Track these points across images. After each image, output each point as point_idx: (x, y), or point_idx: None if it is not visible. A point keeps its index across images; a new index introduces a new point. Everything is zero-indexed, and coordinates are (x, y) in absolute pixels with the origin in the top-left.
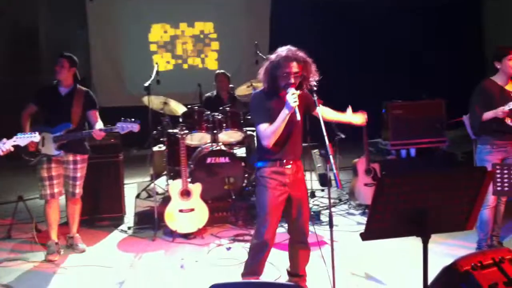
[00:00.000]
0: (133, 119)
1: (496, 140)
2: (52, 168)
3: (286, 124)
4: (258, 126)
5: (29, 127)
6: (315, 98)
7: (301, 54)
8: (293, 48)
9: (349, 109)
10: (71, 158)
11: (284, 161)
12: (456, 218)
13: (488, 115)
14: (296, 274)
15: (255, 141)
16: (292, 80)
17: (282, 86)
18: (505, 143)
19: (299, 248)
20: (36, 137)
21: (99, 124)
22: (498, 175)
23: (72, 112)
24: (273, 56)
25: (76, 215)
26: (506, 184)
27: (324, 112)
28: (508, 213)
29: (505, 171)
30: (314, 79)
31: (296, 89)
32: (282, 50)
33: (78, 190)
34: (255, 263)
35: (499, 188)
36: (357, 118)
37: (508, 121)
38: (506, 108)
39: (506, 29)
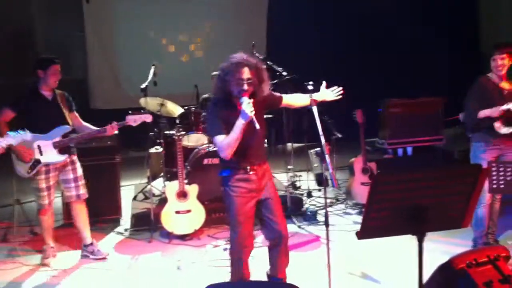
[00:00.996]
0: (142, 110)
1: (490, 138)
2: (50, 178)
3: (245, 133)
4: (214, 138)
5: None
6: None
7: (253, 60)
8: (245, 55)
9: (323, 85)
10: (68, 160)
11: (248, 167)
12: (452, 216)
13: (484, 113)
14: (275, 277)
15: None
16: (245, 87)
17: (235, 93)
18: (499, 140)
19: (277, 251)
20: (27, 135)
21: (89, 125)
22: (494, 173)
23: (65, 114)
24: (224, 64)
25: (86, 219)
26: (501, 182)
27: (290, 101)
28: (503, 210)
29: (501, 169)
30: (266, 86)
31: (250, 97)
32: (233, 57)
33: (83, 191)
34: (238, 270)
35: (494, 186)
36: (329, 94)
37: (497, 124)
38: (504, 107)
39: (502, 27)
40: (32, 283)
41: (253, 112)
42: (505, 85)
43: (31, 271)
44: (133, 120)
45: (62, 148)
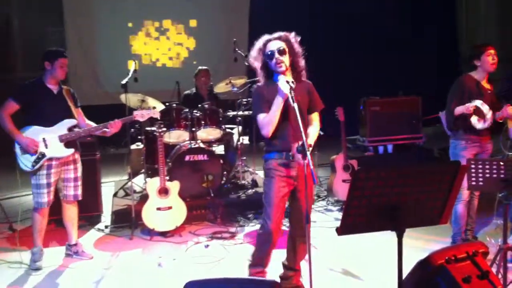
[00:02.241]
0: (149, 106)
1: (470, 135)
2: (52, 174)
3: (285, 113)
4: (257, 117)
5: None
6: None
7: (281, 33)
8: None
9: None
10: (71, 157)
11: (290, 153)
12: (430, 213)
13: (458, 110)
14: (293, 268)
15: (234, 140)
16: (277, 55)
17: (274, 69)
18: (479, 138)
19: (300, 241)
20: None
21: (91, 123)
22: (473, 170)
23: (71, 109)
24: (255, 45)
25: (76, 220)
26: (480, 179)
27: (313, 119)
28: (482, 207)
29: (479, 166)
30: (302, 60)
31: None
32: (263, 37)
33: (80, 191)
34: (261, 255)
35: (473, 183)
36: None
37: (473, 119)
38: (472, 104)
39: (479, 28)
40: (8, 280)
41: (289, 90)
42: (486, 84)
43: (10, 268)
44: (141, 115)
45: (68, 142)
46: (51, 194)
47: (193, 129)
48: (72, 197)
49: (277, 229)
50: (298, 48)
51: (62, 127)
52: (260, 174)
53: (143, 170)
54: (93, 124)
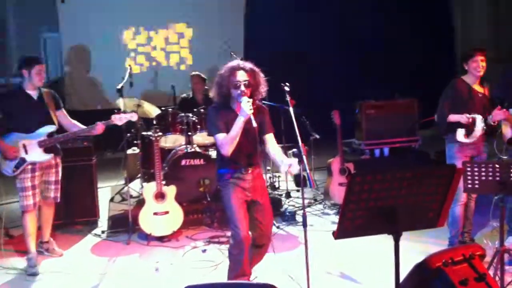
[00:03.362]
0: (127, 110)
1: None
2: (36, 177)
3: (242, 132)
4: (215, 136)
5: None
6: (288, 98)
7: (248, 64)
8: (240, 61)
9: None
10: (53, 161)
11: (243, 169)
12: (427, 215)
13: (453, 117)
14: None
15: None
16: (243, 88)
17: (235, 96)
18: (473, 141)
19: (259, 250)
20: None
21: (76, 123)
22: (469, 173)
23: (50, 114)
24: (221, 70)
25: (51, 219)
26: (476, 182)
27: (270, 144)
28: (478, 209)
29: (475, 169)
30: (263, 89)
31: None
32: (229, 63)
33: (59, 194)
34: (240, 266)
35: (469, 186)
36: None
37: (460, 131)
38: (472, 116)
39: (477, 29)
40: (5, 286)
41: (252, 110)
42: (479, 88)
43: (6, 275)
44: (119, 118)
45: (47, 148)
46: (36, 196)
47: (189, 133)
48: (52, 199)
49: (247, 235)
50: (260, 80)
51: (42, 133)
52: None
53: (139, 175)
54: (78, 125)
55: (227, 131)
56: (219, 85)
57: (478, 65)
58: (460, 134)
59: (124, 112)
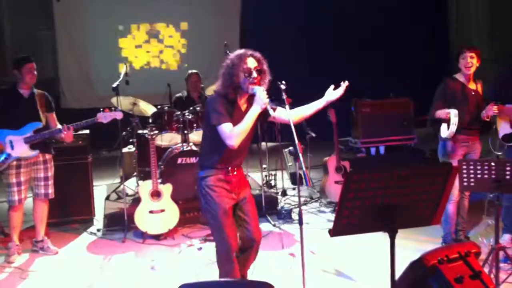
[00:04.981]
0: (112, 107)
1: (458, 135)
2: (21, 173)
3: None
4: (221, 125)
5: None
6: (284, 96)
7: (255, 52)
8: (248, 50)
9: (330, 88)
10: (41, 158)
11: (229, 169)
12: (423, 213)
13: (437, 114)
14: (242, 275)
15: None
16: (255, 74)
17: (244, 86)
18: (467, 138)
19: (248, 253)
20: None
21: (60, 126)
22: (464, 171)
23: (39, 112)
24: (228, 60)
25: (45, 217)
26: (472, 180)
27: (291, 114)
28: (474, 208)
29: (471, 167)
30: (267, 79)
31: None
32: (235, 52)
33: (51, 190)
34: (228, 274)
35: (465, 184)
36: (334, 94)
37: (444, 126)
38: (448, 111)
39: (472, 26)
40: (3, 284)
41: (268, 100)
42: (472, 85)
43: (1, 272)
44: (103, 117)
45: (33, 144)
46: (22, 192)
47: (185, 131)
48: (43, 195)
49: (234, 244)
50: (267, 70)
51: (28, 129)
52: (252, 176)
53: (135, 173)
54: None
55: (232, 120)
56: (228, 74)
57: (467, 61)
58: (443, 129)
59: (110, 109)
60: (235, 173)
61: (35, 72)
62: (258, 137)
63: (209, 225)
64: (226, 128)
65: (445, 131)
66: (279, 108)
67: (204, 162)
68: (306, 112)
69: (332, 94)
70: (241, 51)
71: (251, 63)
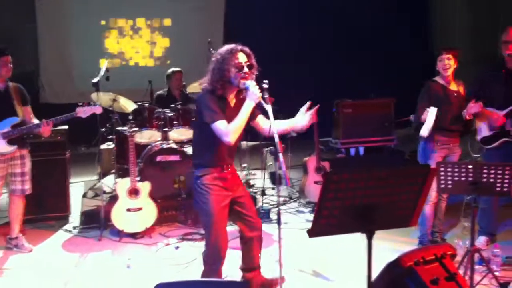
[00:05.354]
0: (92, 102)
1: (439, 137)
2: None
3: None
4: (215, 123)
5: None
6: (266, 95)
7: (245, 47)
8: (237, 44)
9: (303, 108)
10: (18, 153)
11: (224, 166)
12: (401, 214)
13: (424, 116)
14: (253, 267)
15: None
16: (246, 69)
17: (234, 80)
18: (447, 139)
19: (254, 241)
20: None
21: (36, 121)
22: (442, 173)
23: (15, 106)
24: (217, 55)
25: (21, 214)
26: (449, 182)
27: (263, 122)
28: (451, 210)
29: (449, 169)
30: (255, 74)
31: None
32: (225, 46)
33: (28, 186)
34: (213, 275)
35: (442, 186)
36: (301, 121)
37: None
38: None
39: (454, 27)
40: None
41: (261, 94)
42: (453, 87)
43: None
44: (83, 111)
45: (10, 139)
46: None
47: (165, 129)
48: (19, 191)
49: (225, 245)
50: (255, 64)
51: (5, 124)
52: None
53: (113, 170)
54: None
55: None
56: (218, 69)
57: (444, 63)
58: (424, 127)
59: (88, 104)
60: (229, 169)
61: (11, 65)
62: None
63: (202, 223)
64: (221, 125)
65: (424, 129)
66: (259, 116)
67: (198, 160)
68: (276, 126)
69: (300, 120)
70: (231, 46)
71: (242, 57)
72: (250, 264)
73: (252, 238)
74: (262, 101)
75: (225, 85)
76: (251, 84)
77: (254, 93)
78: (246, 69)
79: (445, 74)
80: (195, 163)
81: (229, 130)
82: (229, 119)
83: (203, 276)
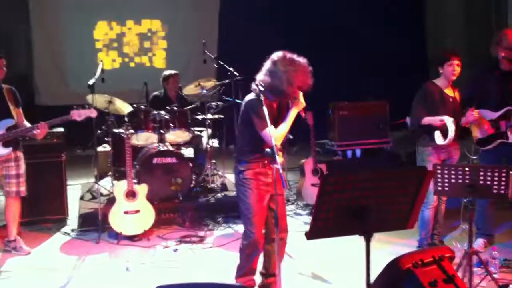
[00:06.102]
0: (86, 105)
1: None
2: None
3: (272, 123)
4: (265, 130)
5: None
6: (262, 98)
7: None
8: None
9: None
10: (12, 155)
11: (266, 161)
12: (398, 217)
13: (427, 120)
14: (272, 273)
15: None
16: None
17: (289, 94)
18: (446, 144)
19: (279, 243)
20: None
21: (28, 124)
22: (439, 175)
23: (10, 108)
24: (291, 65)
25: (17, 216)
26: (446, 184)
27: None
28: (450, 212)
29: (445, 171)
30: None
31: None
32: (302, 61)
33: (23, 188)
34: (250, 264)
35: (439, 188)
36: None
37: (437, 133)
38: (443, 118)
39: (448, 29)
40: None
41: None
42: (449, 91)
43: None
44: (78, 114)
45: (6, 142)
46: None
47: (162, 131)
48: (14, 193)
49: (262, 237)
50: None
51: (1, 126)
52: (229, 178)
53: (110, 173)
54: (29, 125)
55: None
56: (285, 81)
57: (454, 68)
58: (438, 136)
59: (83, 107)
60: (270, 166)
61: (4, 68)
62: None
63: (241, 212)
64: (270, 132)
65: (438, 138)
66: None
67: (241, 156)
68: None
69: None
70: (305, 64)
71: (311, 79)
72: (269, 269)
73: (274, 240)
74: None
75: (280, 96)
76: (301, 95)
77: (302, 102)
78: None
79: (452, 79)
80: (238, 158)
81: (278, 135)
82: (270, 120)
83: (240, 265)
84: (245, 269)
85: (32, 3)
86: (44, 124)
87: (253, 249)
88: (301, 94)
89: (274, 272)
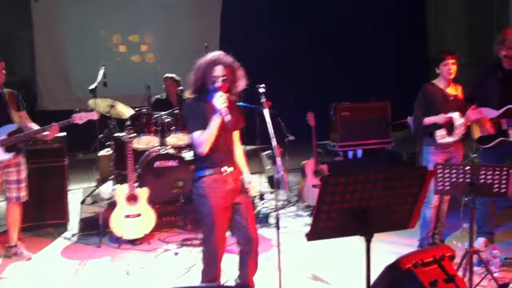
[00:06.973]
0: (89, 109)
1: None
2: None
3: (221, 129)
4: (192, 134)
5: None
6: (263, 100)
7: (228, 58)
8: (221, 53)
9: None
10: (13, 160)
11: (222, 169)
12: (399, 217)
13: (429, 120)
14: (246, 284)
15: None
16: (219, 84)
17: (210, 90)
18: (448, 144)
19: (247, 257)
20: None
21: (35, 125)
22: (440, 175)
23: (11, 113)
24: (200, 61)
25: (18, 221)
26: (447, 183)
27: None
28: (450, 211)
29: (446, 171)
30: (242, 84)
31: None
32: (209, 55)
33: (23, 193)
34: (211, 273)
35: (440, 187)
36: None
37: (442, 133)
38: (449, 115)
39: (449, 29)
40: None
41: (225, 104)
42: (450, 91)
43: None
44: (79, 117)
45: (8, 147)
46: None
47: (163, 134)
48: (14, 198)
49: (222, 245)
50: (239, 74)
51: (2, 132)
52: None
53: (112, 177)
54: (36, 127)
55: (205, 126)
56: (196, 79)
57: (449, 68)
58: (439, 135)
59: (86, 111)
60: (228, 171)
61: (4, 72)
62: None
63: (202, 226)
64: (195, 136)
65: (443, 135)
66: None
67: (198, 163)
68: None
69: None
70: (212, 56)
71: (218, 71)
72: (243, 280)
73: (244, 253)
74: (224, 112)
75: (204, 91)
76: (217, 95)
77: (216, 104)
78: (219, 84)
79: (449, 78)
80: (195, 166)
81: (199, 142)
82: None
83: (202, 272)
84: (207, 277)
85: (34, 9)
86: (57, 126)
87: (211, 257)
88: (217, 96)
89: (249, 284)
